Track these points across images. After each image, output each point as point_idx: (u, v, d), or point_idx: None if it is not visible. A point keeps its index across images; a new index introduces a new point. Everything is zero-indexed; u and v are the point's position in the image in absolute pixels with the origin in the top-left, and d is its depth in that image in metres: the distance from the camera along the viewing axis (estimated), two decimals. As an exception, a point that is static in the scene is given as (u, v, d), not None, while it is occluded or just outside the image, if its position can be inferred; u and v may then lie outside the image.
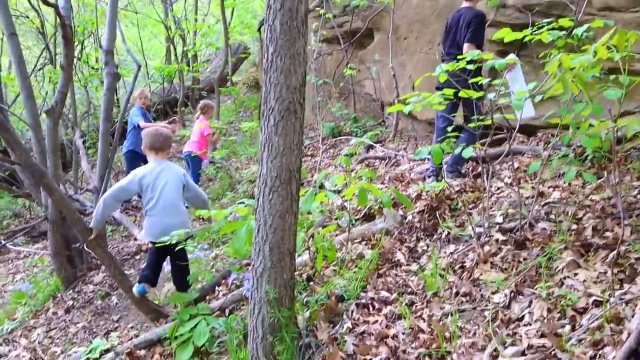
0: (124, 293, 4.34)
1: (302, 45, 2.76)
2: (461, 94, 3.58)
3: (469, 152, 3.25)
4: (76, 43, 9.96)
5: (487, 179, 4.03)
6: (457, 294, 3.21)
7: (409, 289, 3.42)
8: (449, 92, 3.33)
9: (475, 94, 3.54)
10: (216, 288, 4.36)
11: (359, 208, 4.73)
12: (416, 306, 3.21)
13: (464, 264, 3.48)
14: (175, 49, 14.03)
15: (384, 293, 3.39)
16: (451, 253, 3.71)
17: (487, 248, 3.48)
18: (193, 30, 13.58)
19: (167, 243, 3.62)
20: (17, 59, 5.89)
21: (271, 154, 2.78)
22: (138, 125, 7.91)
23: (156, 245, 3.90)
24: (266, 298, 2.86)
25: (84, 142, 9.98)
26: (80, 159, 8.36)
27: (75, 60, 10.49)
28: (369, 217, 4.59)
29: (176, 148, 11.41)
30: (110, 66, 6.46)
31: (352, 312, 3.23)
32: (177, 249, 3.77)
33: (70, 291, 5.71)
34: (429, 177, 5.01)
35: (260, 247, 2.86)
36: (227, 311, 3.97)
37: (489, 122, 3.62)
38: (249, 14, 13.43)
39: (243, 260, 4.59)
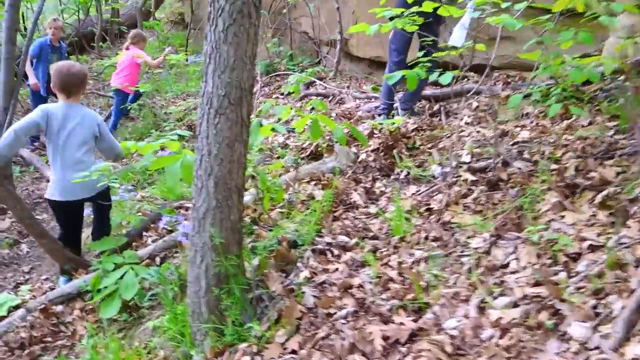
0: (35, 240, 3.67)
1: None
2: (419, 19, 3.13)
3: (448, 78, 2.80)
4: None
5: (444, 115, 3.66)
6: (426, 238, 2.83)
7: (371, 234, 3.01)
8: (429, 5, 2.83)
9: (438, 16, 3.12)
10: (144, 234, 3.77)
11: (303, 146, 4.24)
12: (381, 252, 2.81)
13: (430, 206, 3.09)
14: (91, -24, 12.61)
15: (342, 237, 2.96)
16: (413, 194, 3.32)
17: (456, 189, 3.11)
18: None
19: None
20: None
21: (219, 66, 2.21)
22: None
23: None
24: (211, 244, 2.34)
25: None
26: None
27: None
28: (316, 156, 4.12)
29: (93, 85, 10.37)
30: None
31: (308, 259, 2.78)
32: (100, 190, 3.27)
33: (-29, 239, 4.91)
34: (380, 115, 4.57)
35: (203, 182, 2.32)
36: (157, 259, 3.43)
37: (443, 54, 3.20)
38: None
39: (174, 202, 4.01)
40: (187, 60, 9.04)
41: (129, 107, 6.81)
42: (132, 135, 7.22)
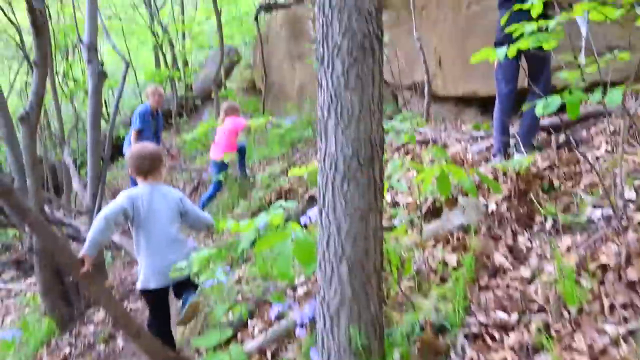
0: (132, 340, 3.25)
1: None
2: (524, 45, 2.55)
3: (576, 110, 2.18)
4: (54, 39, 8.82)
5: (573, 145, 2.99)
6: (612, 307, 2.15)
7: (534, 305, 2.36)
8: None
9: (547, 44, 2.54)
10: (249, 322, 3.29)
11: (417, 201, 3.66)
12: (557, 331, 2.15)
13: (602, 262, 2.42)
14: (164, 56, 12.95)
15: (499, 314, 2.33)
16: (570, 248, 2.66)
17: (631, 235, 2.43)
18: (182, 33, 12.53)
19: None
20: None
21: (342, 119, 1.73)
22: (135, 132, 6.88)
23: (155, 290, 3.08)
24: (349, 346, 1.79)
25: (74, 161, 8.89)
26: (71, 179, 7.28)
27: (54, 63, 9.36)
28: (434, 212, 3.53)
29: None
30: (94, 64, 5.40)
31: (463, 347, 2.17)
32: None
33: (67, 335, 4.61)
34: (495, 155, 3.95)
35: (333, 268, 1.80)
36: (268, 353, 2.91)
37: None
38: (237, 19, 12.37)
39: (279, 282, 3.52)
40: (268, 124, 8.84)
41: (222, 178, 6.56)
42: (219, 208, 6.93)
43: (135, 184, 5.68)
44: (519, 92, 3.95)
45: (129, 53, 12.96)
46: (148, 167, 3.14)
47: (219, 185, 6.60)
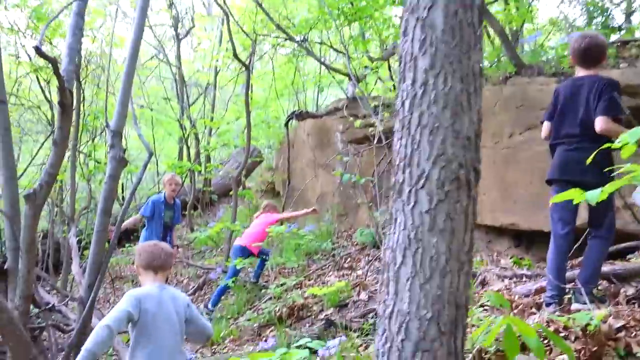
0: None
1: (479, 59, 1.38)
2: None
3: None
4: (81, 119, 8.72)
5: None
6: None
7: None
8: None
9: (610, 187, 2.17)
10: None
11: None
12: None
13: None
14: (188, 149, 12.91)
15: None
16: None
17: None
18: (209, 129, 12.54)
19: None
20: (3, 131, 4.55)
21: (421, 269, 1.31)
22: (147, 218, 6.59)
23: None
24: None
25: (79, 242, 8.48)
26: (72, 261, 6.81)
27: (79, 142, 9.21)
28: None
29: (182, 254, 9.90)
30: (117, 149, 5.11)
31: None
32: None
33: None
34: (549, 304, 3.46)
35: None
36: None
37: None
38: (265, 122, 12.43)
39: None
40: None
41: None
42: (222, 313, 6.37)
43: None
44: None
45: (154, 142, 12.96)
46: (160, 263, 2.88)
47: (228, 280, 6.23)
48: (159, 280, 2.86)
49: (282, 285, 6.16)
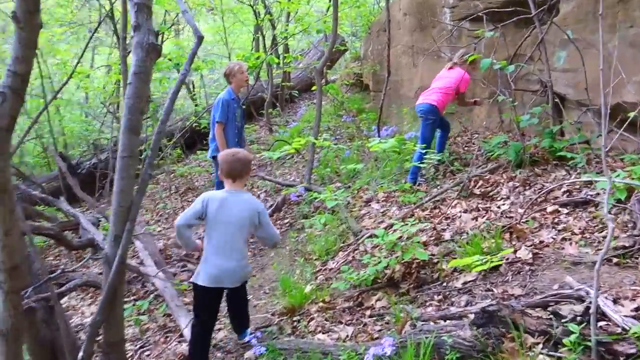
0: None
1: None
2: None
3: None
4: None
5: None
6: None
7: None
8: None
9: None
10: None
11: None
12: None
13: None
14: (264, 38, 10.77)
15: None
16: None
17: None
18: (286, 15, 10.29)
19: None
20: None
21: None
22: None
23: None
24: None
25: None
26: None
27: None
28: None
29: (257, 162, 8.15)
30: (143, 33, 3.11)
31: None
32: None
33: None
34: None
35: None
36: None
37: None
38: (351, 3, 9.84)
39: None
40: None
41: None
42: (308, 255, 4.60)
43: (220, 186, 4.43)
44: None
45: (225, 32, 10.88)
46: (239, 172, 3.07)
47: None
48: (236, 186, 3.06)
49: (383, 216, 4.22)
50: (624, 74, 3.89)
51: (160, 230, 6.66)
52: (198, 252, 3.09)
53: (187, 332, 3.42)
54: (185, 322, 3.53)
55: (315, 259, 4.35)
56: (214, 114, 4.99)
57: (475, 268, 2.90)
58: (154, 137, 3.09)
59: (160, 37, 10.27)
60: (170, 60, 7.96)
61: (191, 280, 3.05)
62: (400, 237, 3.47)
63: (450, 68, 5.19)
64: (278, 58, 10.18)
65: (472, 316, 2.56)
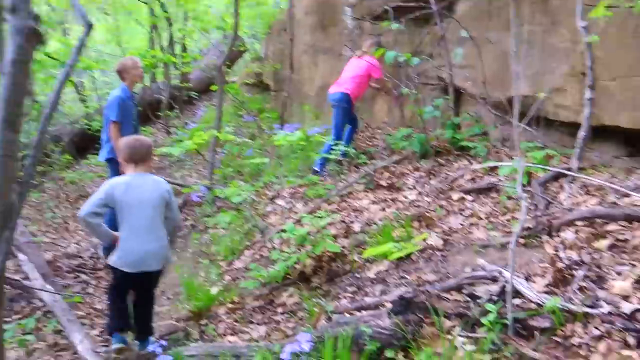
0: None
1: None
2: None
3: None
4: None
5: None
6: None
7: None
8: None
9: None
10: None
11: None
12: None
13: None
14: (160, 38, 10.23)
15: None
16: None
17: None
18: (183, 12, 9.84)
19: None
20: None
21: None
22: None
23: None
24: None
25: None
26: None
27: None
28: None
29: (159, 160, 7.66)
30: (21, 16, 2.66)
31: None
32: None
33: None
34: None
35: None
36: None
37: None
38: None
39: None
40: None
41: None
42: (213, 255, 4.29)
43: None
44: None
45: (118, 32, 10.18)
46: (142, 156, 3.00)
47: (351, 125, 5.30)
48: (139, 170, 2.98)
49: (289, 215, 4.05)
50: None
51: (49, 242, 5.99)
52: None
53: (81, 348, 3.00)
54: (79, 338, 3.10)
55: (221, 260, 4.07)
56: (108, 114, 4.52)
57: (391, 255, 2.80)
58: (39, 129, 2.67)
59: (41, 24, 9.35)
60: (56, 59, 7.25)
61: (112, 264, 2.92)
62: (310, 231, 3.31)
63: (360, 57, 5.17)
64: (175, 57, 9.69)
65: (388, 305, 2.45)
